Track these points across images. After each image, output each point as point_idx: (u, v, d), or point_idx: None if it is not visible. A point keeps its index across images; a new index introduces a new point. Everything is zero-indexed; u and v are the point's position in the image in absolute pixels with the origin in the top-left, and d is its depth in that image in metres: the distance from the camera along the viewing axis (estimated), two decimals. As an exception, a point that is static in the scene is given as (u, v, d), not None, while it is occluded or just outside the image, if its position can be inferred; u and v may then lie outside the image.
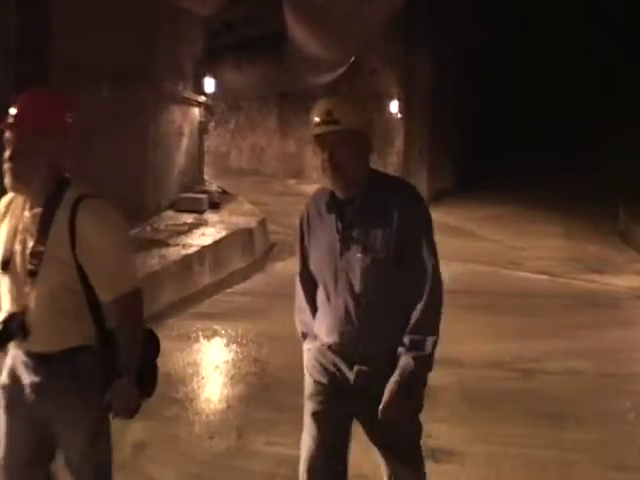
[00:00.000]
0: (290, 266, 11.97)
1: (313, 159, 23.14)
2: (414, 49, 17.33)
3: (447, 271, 10.93)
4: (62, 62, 9.77)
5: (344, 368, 3.21)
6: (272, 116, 23.99)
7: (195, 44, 14.75)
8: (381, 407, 3.07)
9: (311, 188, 22.58)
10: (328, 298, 3.25)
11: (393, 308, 3.16)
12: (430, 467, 4.74)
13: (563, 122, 20.82)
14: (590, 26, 20.52)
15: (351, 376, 3.19)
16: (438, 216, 16.37)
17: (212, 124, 16.84)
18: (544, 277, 11.02)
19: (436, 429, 5.12)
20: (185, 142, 14.26)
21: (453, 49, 17.76)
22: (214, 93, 15.21)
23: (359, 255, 3.13)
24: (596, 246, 13.21)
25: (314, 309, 3.36)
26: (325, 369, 3.26)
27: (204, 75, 14.89)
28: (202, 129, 15.27)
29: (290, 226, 15.39)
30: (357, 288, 3.15)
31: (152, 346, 3.14)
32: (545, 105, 21.02)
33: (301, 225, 3.38)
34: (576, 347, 7.58)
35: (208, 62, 15.11)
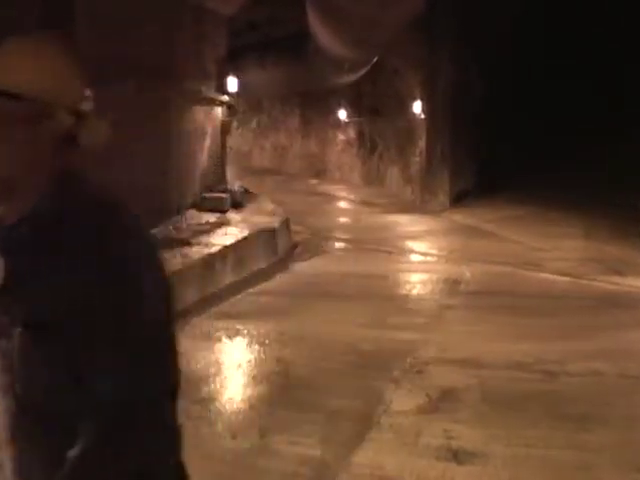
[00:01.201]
0: (313, 266, 12.05)
1: (335, 158, 23.24)
2: (436, 50, 17.32)
3: (468, 272, 10.90)
4: (85, 60, 9.87)
5: None
6: (294, 116, 24.13)
7: (218, 44, 14.82)
8: None
9: (333, 188, 22.68)
10: None
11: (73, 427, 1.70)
12: (452, 468, 4.79)
13: (563, 122, 20.69)
14: (590, 26, 20.38)
15: None
16: (459, 217, 16.49)
17: (235, 123, 16.88)
18: (565, 278, 10.98)
19: (457, 430, 5.13)
20: (208, 141, 14.32)
21: (473, 50, 17.72)
22: (237, 92, 15.27)
23: (19, 328, 1.73)
24: (616, 247, 13.12)
25: None
26: None
27: (227, 74, 14.95)
28: (225, 128, 15.33)
29: (313, 226, 15.52)
30: (17, 386, 1.76)
31: None
32: (549, 105, 20.90)
33: None
34: (597, 348, 7.55)
35: (231, 61, 15.18)
